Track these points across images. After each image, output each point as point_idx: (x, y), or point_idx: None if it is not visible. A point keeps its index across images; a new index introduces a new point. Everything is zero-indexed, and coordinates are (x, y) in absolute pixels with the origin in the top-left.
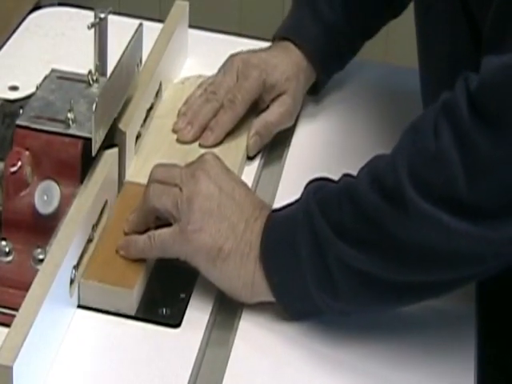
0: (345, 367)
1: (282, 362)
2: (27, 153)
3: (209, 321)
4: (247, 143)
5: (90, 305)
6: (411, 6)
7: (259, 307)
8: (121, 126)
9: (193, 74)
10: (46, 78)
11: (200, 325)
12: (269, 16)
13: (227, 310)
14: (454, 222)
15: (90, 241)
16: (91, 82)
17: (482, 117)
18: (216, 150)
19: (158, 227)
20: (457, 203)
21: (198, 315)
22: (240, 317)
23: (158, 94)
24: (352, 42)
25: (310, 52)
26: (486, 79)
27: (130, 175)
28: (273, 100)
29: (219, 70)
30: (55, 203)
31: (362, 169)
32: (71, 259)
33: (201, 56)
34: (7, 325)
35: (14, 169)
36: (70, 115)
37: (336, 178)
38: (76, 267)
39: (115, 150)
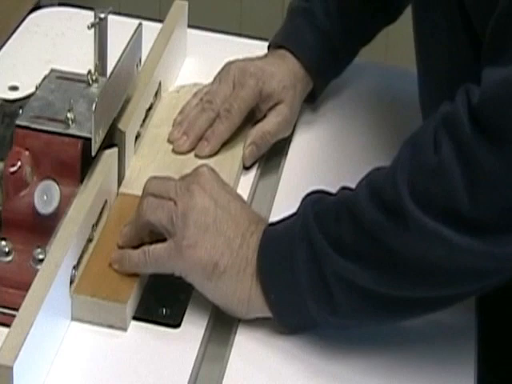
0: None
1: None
2: (27, 153)
3: (209, 321)
4: (243, 153)
5: (82, 319)
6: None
7: (255, 321)
8: (120, 125)
9: (192, 73)
10: (45, 77)
11: (200, 325)
12: (269, 16)
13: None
14: (456, 237)
15: (89, 240)
16: (91, 81)
17: (485, 131)
18: (212, 161)
19: (152, 241)
20: (459, 218)
21: (198, 315)
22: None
23: (157, 93)
24: (349, 49)
25: (307, 61)
26: (487, 93)
27: (124, 186)
28: (270, 109)
29: (215, 79)
30: (55, 203)
31: (361, 182)
32: (71, 259)
33: (200, 56)
34: (7, 325)
35: (13, 169)
36: (69, 115)
37: (334, 188)
38: (76, 267)
39: (115, 150)
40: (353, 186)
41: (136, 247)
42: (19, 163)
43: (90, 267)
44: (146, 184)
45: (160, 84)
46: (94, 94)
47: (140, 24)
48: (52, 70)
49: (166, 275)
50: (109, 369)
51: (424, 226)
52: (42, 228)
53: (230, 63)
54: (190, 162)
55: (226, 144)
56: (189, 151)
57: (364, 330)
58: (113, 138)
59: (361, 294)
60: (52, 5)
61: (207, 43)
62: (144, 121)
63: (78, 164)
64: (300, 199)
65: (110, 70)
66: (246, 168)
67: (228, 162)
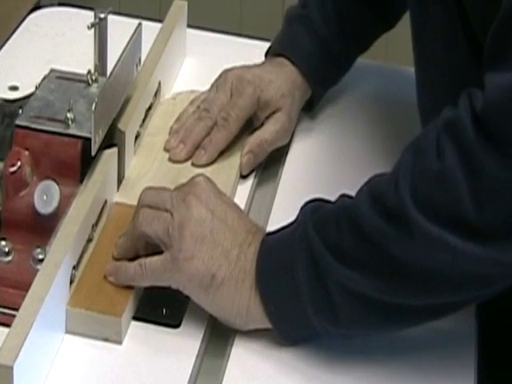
0: None
1: None
2: (27, 153)
3: (209, 321)
4: (240, 162)
5: (77, 332)
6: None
7: (253, 331)
8: (120, 125)
9: (192, 73)
10: (45, 77)
11: (200, 325)
12: (269, 16)
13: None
14: (461, 244)
15: (89, 240)
16: (90, 81)
17: (489, 137)
18: (209, 169)
19: (148, 253)
20: (463, 224)
21: (197, 315)
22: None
23: (156, 93)
24: (347, 56)
25: (305, 69)
26: (491, 99)
27: (119, 195)
28: (267, 117)
29: (212, 86)
30: (55, 203)
31: (361, 189)
32: (71, 259)
33: (200, 56)
34: (7, 325)
35: (13, 169)
36: (69, 115)
37: (333, 197)
38: (76, 267)
39: (114, 150)
40: (352, 193)
41: (131, 259)
42: (19, 163)
43: (84, 279)
44: (142, 195)
45: (160, 84)
46: (93, 94)
47: (140, 24)
48: (52, 70)
49: None
50: (109, 368)
51: (428, 232)
52: (42, 228)
53: (227, 71)
54: (187, 171)
55: (223, 152)
56: (186, 160)
57: (364, 339)
58: (113, 138)
59: (363, 302)
60: (52, 5)
61: (207, 43)
62: (144, 121)
63: (77, 164)
64: (298, 208)
65: (109, 70)
66: (244, 177)
67: (225, 171)
